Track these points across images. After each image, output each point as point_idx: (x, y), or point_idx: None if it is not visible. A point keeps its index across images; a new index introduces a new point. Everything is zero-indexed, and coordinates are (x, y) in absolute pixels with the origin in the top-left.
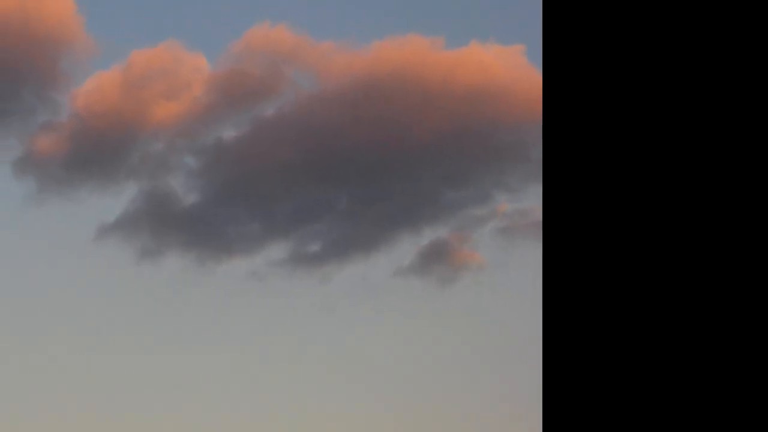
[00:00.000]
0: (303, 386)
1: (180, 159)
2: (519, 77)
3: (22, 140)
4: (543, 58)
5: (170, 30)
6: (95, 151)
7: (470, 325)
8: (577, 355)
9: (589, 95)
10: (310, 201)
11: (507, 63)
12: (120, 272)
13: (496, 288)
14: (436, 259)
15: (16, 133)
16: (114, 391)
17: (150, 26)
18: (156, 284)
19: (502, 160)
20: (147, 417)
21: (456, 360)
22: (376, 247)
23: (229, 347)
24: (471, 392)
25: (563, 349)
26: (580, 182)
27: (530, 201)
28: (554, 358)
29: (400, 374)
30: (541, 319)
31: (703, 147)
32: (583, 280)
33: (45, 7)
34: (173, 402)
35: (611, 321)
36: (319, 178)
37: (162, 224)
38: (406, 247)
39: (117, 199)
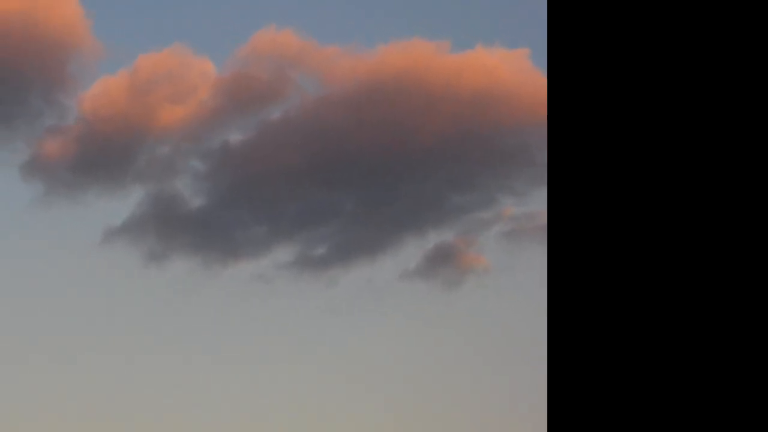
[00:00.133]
0: (309, 388)
1: (186, 162)
2: (524, 81)
3: (29, 144)
4: (548, 61)
5: (177, 34)
6: (102, 155)
7: (475, 328)
8: (582, 358)
9: (593, 99)
10: (316, 204)
11: (512, 67)
12: (126, 275)
13: (501, 291)
14: (442, 263)
15: (24, 137)
16: (120, 393)
17: (157, 30)
18: (162, 287)
19: (507, 164)
20: (153, 419)
21: (461, 362)
22: (382, 250)
23: (235, 350)
24: (476, 395)
25: (568, 352)
26: (584, 186)
27: (535, 205)
28: (559, 361)
29: (405, 376)
30: (546, 322)
31: (710, 151)
32: (588, 284)
33: (52, 11)
34: (179, 404)
35: (616, 324)
36: (325, 181)
37: (168, 227)
38: (412, 250)
39: (124, 203)
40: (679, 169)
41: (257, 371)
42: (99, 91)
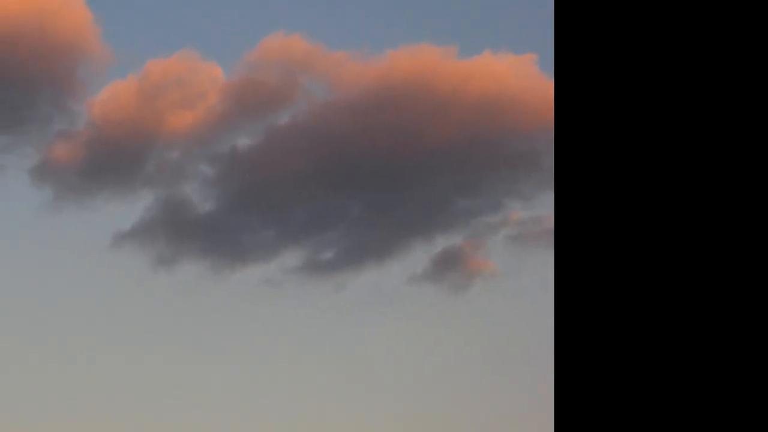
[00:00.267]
0: (317, 393)
1: (195, 167)
2: (531, 86)
3: (38, 149)
4: (555, 67)
5: (186, 39)
6: (111, 160)
7: (482, 332)
8: (589, 362)
9: (600, 104)
10: (323, 209)
11: (519, 72)
12: (135, 279)
13: (508, 295)
14: (449, 267)
15: (33, 142)
16: (129, 397)
17: (166, 36)
18: (171, 291)
19: (514, 168)
20: (161, 422)
21: (468, 366)
22: (390, 254)
23: (243, 354)
24: (483, 399)
25: (575, 357)
26: (591, 190)
27: (542, 209)
28: (566, 365)
29: (412, 380)
30: (553, 326)
31: (719, 156)
32: (595, 288)
33: (62, 16)
34: (187, 408)
35: (623, 328)
36: (333, 186)
37: (177, 232)
38: (419, 254)
39: (133, 207)
40: (686, 173)
41: (265, 374)
42: (108, 97)
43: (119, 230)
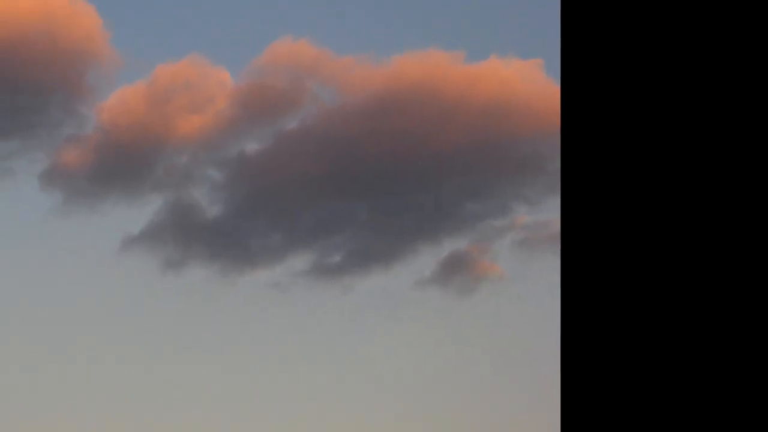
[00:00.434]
0: (324, 395)
1: (204, 172)
2: (537, 91)
3: (48, 153)
4: (561, 71)
5: (194, 45)
6: (120, 164)
7: (489, 336)
8: (595, 366)
9: (606, 108)
10: (331, 213)
11: (525, 77)
12: (144, 283)
13: (514, 299)
14: (456, 271)
15: (43, 146)
16: (137, 401)
17: (174, 41)
18: (179, 294)
19: (520, 173)
20: (170, 425)
21: (474, 370)
22: (397, 258)
23: (251, 357)
24: (489, 402)
25: (581, 361)
26: (597, 194)
27: (549, 213)
28: (573, 369)
29: (419, 383)
30: (560, 330)
31: (725, 160)
32: (601, 292)
33: (71, 21)
34: (196, 411)
35: (630, 333)
36: (341, 190)
37: (186, 236)
38: (426, 258)
39: (141, 211)
40: (694, 178)
41: (273, 377)
42: (117, 101)
43: (128, 234)
